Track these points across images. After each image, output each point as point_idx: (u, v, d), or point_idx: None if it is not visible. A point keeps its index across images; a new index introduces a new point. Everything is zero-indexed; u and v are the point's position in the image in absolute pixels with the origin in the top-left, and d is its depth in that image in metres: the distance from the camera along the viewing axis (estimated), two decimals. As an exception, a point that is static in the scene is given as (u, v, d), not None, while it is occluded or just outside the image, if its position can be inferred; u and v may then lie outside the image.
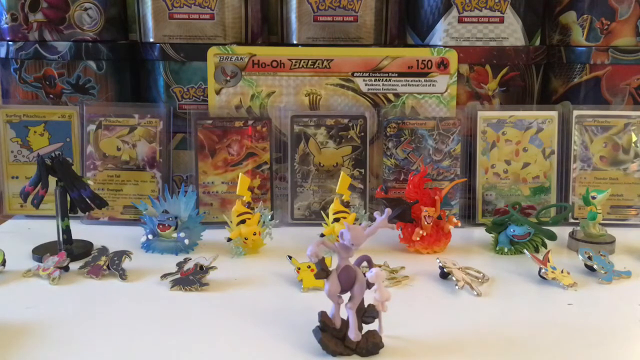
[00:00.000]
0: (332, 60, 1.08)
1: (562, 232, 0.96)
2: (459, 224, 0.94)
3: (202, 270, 0.80)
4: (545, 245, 0.92)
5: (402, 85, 1.08)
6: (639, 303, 0.76)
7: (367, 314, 0.64)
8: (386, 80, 1.08)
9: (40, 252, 0.88)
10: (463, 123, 1.06)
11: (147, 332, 0.68)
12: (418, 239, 0.91)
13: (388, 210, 0.65)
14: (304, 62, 1.08)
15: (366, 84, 1.08)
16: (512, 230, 0.92)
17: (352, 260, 0.63)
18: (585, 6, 1.10)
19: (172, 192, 0.97)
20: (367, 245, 0.70)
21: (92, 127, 1.06)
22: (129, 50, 1.15)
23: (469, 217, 1.07)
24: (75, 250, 0.90)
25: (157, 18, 1.09)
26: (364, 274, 0.62)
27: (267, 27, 1.18)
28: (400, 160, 1.06)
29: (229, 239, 0.91)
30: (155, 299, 0.77)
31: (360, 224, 0.66)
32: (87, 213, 0.95)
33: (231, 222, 0.93)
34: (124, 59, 1.14)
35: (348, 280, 0.62)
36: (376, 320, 0.64)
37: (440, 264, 0.83)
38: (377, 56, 1.07)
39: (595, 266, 0.83)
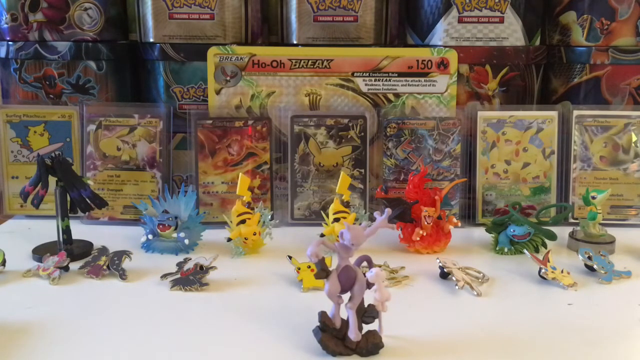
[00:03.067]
0: (332, 60, 1.08)
1: (562, 232, 0.96)
2: (459, 224, 0.94)
3: (202, 270, 0.80)
4: (545, 245, 0.92)
5: (402, 85, 1.08)
6: (639, 303, 0.76)
7: (367, 314, 0.64)
8: (386, 80, 1.08)
9: (40, 252, 0.88)
10: (463, 123, 1.06)
11: (147, 332, 0.68)
12: (418, 239, 0.91)
13: (388, 210, 0.65)
14: (304, 62, 1.08)
15: (366, 84, 1.08)
16: (512, 230, 0.92)
17: (352, 260, 0.63)
18: (585, 6, 1.10)
19: (172, 192, 0.97)
20: (367, 245, 0.70)
21: (92, 127, 1.06)
22: (129, 50, 1.15)
23: (469, 217, 1.07)
24: (75, 250, 0.90)
25: (157, 18, 1.09)
26: (364, 274, 0.62)
27: (267, 27, 1.19)
28: (400, 160, 1.06)
29: (229, 239, 0.91)
30: (155, 299, 0.77)
31: (360, 224, 0.66)
32: (87, 213, 0.95)
33: (231, 222, 0.93)
34: (124, 59, 1.14)
35: (348, 280, 0.62)
36: (376, 320, 0.64)
37: (440, 264, 0.83)
38: (377, 56, 1.08)
39: (595, 266, 0.83)
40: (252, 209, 0.93)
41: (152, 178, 1.06)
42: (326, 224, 0.96)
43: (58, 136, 1.09)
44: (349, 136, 1.06)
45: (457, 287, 0.79)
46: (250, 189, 0.96)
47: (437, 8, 1.09)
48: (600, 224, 0.94)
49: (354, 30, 1.10)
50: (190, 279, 0.79)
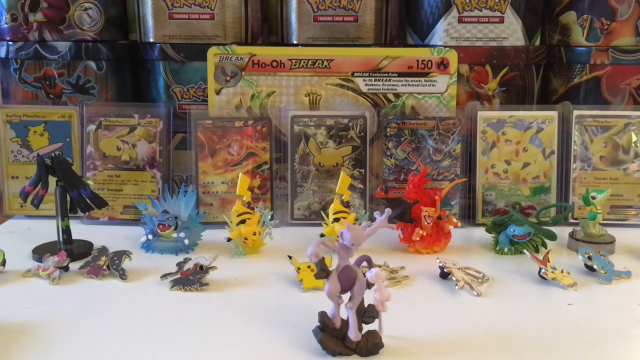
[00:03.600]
0: (332, 60, 1.08)
1: (562, 232, 0.96)
2: (459, 224, 0.94)
3: (202, 270, 0.80)
4: (545, 245, 0.92)
5: (402, 85, 1.08)
6: (639, 303, 0.76)
7: (367, 314, 0.64)
8: (386, 80, 1.08)
9: (40, 252, 0.88)
10: (463, 123, 1.06)
11: (147, 332, 0.68)
12: (418, 239, 0.91)
13: (388, 210, 0.65)
14: (304, 62, 1.08)
15: (366, 84, 1.08)
16: (512, 230, 0.92)
17: (352, 260, 0.63)
18: (585, 6, 1.10)
19: (172, 192, 0.97)
20: (367, 245, 0.70)
21: (92, 127, 1.06)
22: (129, 50, 1.15)
23: (469, 217, 1.07)
24: (75, 250, 0.90)
25: (157, 18, 1.09)
26: (364, 274, 0.62)
27: (267, 27, 1.19)
28: (400, 160, 1.06)
29: (229, 239, 0.91)
30: (155, 299, 0.77)
31: (360, 224, 0.66)
32: (87, 213, 0.95)
33: (231, 222, 0.93)
34: (124, 59, 1.14)
35: (348, 280, 0.62)
36: (376, 320, 0.64)
37: (440, 264, 0.83)
38: (377, 56, 1.08)
39: (595, 266, 0.83)
40: (252, 209, 0.93)
41: (152, 178, 1.06)
42: (326, 224, 0.96)
43: (58, 136, 1.09)
44: (349, 136, 1.06)
45: (457, 287, 0.78)
46: (250, 189, 0.96)
47: (437, 8, 1.09)
48: (600, 224, 0.94)
49: (354, 30, 1.10)
50: (190, 279, 0.79)
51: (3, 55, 1.09)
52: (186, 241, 0.91)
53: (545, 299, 0.78)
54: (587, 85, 1.12)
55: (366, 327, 0.64)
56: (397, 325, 0.67)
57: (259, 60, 1.07)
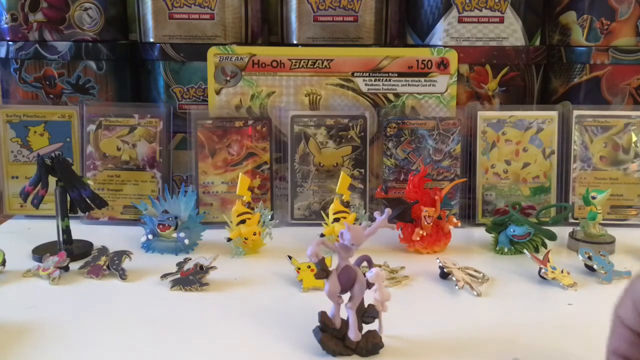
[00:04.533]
0: (332, 60, 1.08)
1: (562, 232, 0.96)
2: (459, 224, 0.94)
3: (202, 270, 0.80)
4: (545, 245, 0.92)
5: (402, 85, 1.08)
6: (639, 303, 0.76)
7: (367, 314, 0.64)
8: (386, 80, 1.08)
9: (40, 252, 0.88)
10: (463, 123, 1.06)
11: (146, 332, 0.68)
12: (418, 239, 0.91)
13: (388, 210, 0.65)
14: (304, 62, 1.08)
15: (366, 84, 1.08)
16: (512, 230, 0.92)
17: (352, 260, 0.63)
18: (585, 6, 1.10)
19: (172, 192, 0.97)
20: (367, 245, 0.70)
21: (92, 127, 1.06)
22: (129, 50, 1.15)
23: (469, 217, 1.07)
24: (75, 250, 0.90)
25: (157, 18, 1.09)
26: (364, 274, 0.62)
27: (267, 27, 1.19)
28: (400, 160, 1.06)
29: (229, 239, 0.91)
30: (155, 299, 0.77)
31: (360, 224, 0.66)
32: (87, 213, 0.95)
33: (231, 222, 0.93)
34: (124, 59, 1.14)
35: (348, 280, 0.62)
36: (376, 320, 0.64)
37: (440, 264, 0.83)
38: (377, 56, 1.08)
39: (595, 266, 0.83)
40: (252, 209, 0.93)
41: (152, 178, 1.06)
42: (326, 224, 0.96)
43: (58, 136, 1.09)
44: (349, 136, 1.06)
45: (457, 287, 0.79)
46: (250, 189, 0.96)
47: (437, 8, 1.09)
48: (600, 224, 0.94)
49: (354, 30, 1.10)
50: (190, 279, 0.79)
51: (3, 55, 1.09)
52: (186, 241, 0.91)
53: (545, 299, 0.78)
54: (587, 85, 1.12)
55: (366, 327, 0.64)
56: (397, 325, 0.67)
57: (259, 60, 1.07)
